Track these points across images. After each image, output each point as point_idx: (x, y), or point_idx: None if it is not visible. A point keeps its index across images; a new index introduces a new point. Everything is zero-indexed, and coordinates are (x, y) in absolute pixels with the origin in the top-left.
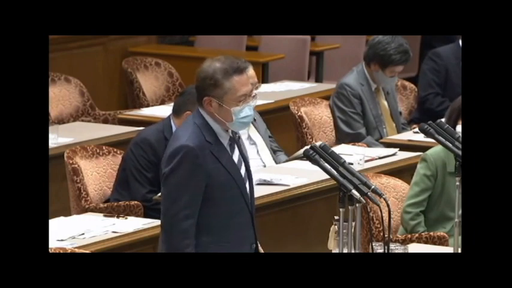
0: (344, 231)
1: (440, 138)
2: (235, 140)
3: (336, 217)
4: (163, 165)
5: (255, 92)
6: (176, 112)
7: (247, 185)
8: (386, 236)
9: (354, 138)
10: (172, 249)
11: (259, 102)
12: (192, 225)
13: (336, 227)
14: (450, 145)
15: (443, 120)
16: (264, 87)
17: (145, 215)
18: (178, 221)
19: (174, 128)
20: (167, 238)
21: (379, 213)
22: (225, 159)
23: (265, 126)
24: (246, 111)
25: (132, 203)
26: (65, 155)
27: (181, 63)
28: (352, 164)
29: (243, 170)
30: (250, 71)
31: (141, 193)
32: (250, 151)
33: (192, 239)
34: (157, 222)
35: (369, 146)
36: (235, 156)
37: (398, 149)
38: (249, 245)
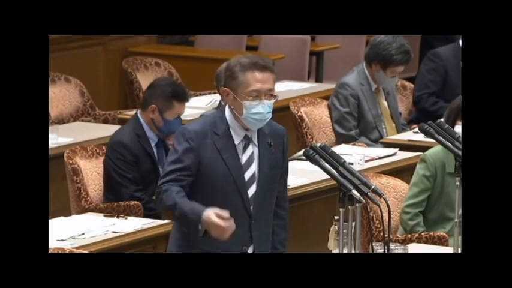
0: (344, 231)
1: (440, 138)
2: (256, 142)
3: (336, 217)
4: None
5: (274, 92)
6: (142, 106)
7: (252, 188)
8: (386, 236)
9: (345, 139)
10: (164, 203)
11: None
12: (175, 186)
13: (336, 227)
14: (450, 145)
15: (442, 120)
16: None
17: (145, 215)
18: (162, 187)
19: (143, 124)
20: (158, 203)
21: (379, 213)
22: (227, 154)
23: None
24: (258, 108)
25: (132, 203)
26: (65, 155)
27: (181, 63)
28: (352, 164)
29: (250, 172)
30: (270, 73)
31: (130, 194)
32: None
33: (176, 191)
34: (157, 222)
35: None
36: (245, 156)
37: (398, 149)
38: (239, 245)
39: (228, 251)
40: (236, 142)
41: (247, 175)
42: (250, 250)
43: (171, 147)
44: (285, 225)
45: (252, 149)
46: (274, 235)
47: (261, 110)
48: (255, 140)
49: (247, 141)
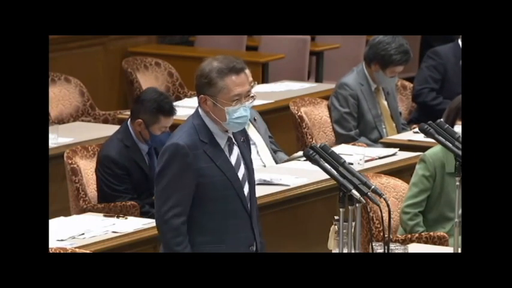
0: (344, 231)
1: (441, 138)
2: (235, 141)
3: (336, 217)
4: (157, 164)
5: (252, 93)
6: (131, 117)
7: (246, 187)
8: (386, 236)
9: (345, 140)
10: (166, 247)
11: (259, 102)
12: (183, 223)
13: (336, 227)
14: (450, 145)
15: (442, 120)
16: (264, 87)
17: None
18: (168, 219)
19: (133, 134)
20: (161, 236)
21: (379, 213)
22: (220, 160)
23: (266, 126)
24: (241, 111)
25: (129, 203)
26: (65, 154)
27: (181, 63)
28: (352, 164)
29: (241, 172)
30: (247, 72)
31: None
32: None
33: (184, 236)
34: None
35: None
36: (233, 157)
37: (398, 149)
38: (246, 246)
39: (234, 252)
40: (222, 146)
41: (239, 176)
42: (254, 248)
43: (160, 166)
44: (259, 217)
45: (236, 149)
46: None
47: (243, 113)
48: (233, 139)
49: (230, 142)
